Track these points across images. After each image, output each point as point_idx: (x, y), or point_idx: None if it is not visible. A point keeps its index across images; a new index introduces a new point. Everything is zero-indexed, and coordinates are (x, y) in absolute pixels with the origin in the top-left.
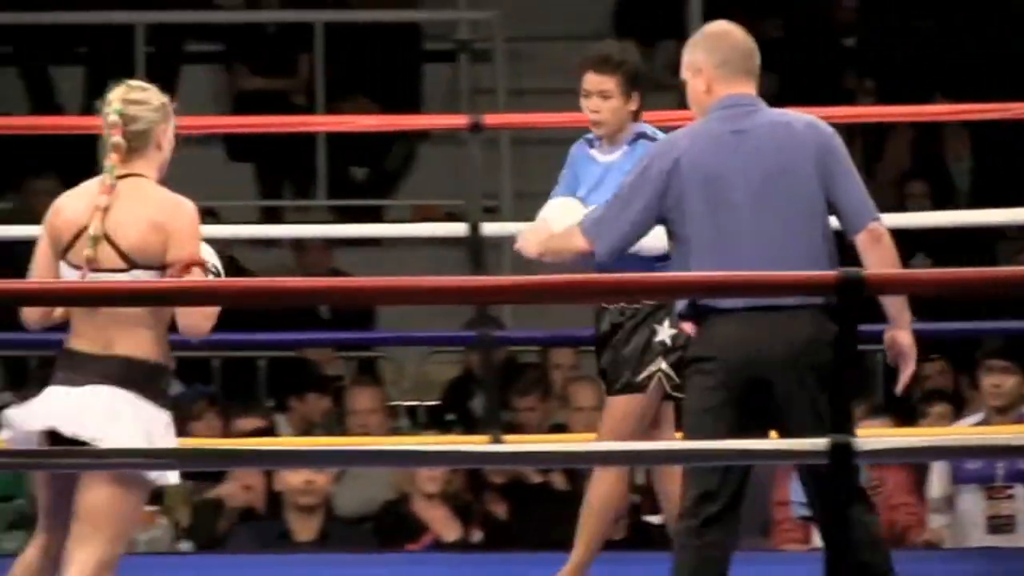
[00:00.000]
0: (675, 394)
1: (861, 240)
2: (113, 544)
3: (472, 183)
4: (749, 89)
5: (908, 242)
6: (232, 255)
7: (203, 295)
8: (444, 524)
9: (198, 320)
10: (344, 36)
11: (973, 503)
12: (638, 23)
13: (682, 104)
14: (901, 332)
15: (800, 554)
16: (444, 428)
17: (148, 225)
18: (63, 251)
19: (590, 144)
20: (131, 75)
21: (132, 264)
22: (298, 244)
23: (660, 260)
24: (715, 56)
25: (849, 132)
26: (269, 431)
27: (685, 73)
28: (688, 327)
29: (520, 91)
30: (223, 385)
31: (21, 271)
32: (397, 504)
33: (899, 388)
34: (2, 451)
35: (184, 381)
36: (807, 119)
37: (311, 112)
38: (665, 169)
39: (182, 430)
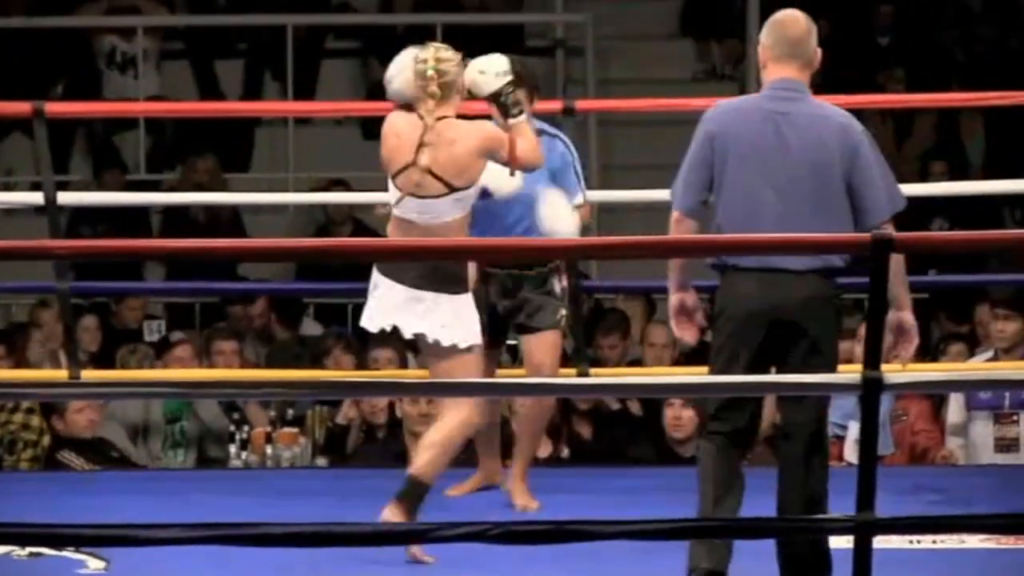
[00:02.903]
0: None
1: None
2: (470, 407)
3: None
4: (796, 74)
5: (929, 208)
6: (359, 217)
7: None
8: None
9: (530, 158)
10: (459, 35)
11: (984, 427)
12: (702, 23)
13: (742, 92)
14: (905, 314)
15: (834, 468)
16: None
17: (465, 154)
18: (393, 176)
19: None
20: (283, 68)
21: (452, 189)
22: None
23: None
24: (768, 39)
25: (882, 116)
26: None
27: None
28: None
29: (606, 81)
30: (354, 328)
31: (188, 231)
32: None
33: (903, 361)
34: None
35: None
36: (843, 119)
37: None
38: (713, 133)
39: (321, 364)
